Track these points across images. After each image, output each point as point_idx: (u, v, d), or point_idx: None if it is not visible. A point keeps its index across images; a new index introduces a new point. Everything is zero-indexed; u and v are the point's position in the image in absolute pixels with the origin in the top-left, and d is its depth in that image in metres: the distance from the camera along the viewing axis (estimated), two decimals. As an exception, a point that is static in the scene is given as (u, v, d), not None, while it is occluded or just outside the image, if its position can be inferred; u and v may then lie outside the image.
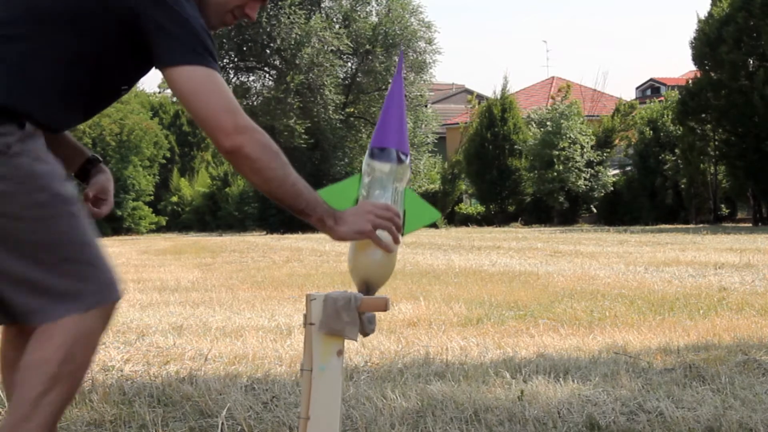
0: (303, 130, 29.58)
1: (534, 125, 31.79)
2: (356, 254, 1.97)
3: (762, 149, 24.40)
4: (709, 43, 25.06)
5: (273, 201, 1.93)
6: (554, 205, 31.34)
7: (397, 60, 30.90)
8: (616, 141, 32.28)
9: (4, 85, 1.84)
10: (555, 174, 30.44)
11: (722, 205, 29.67)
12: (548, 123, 30.96)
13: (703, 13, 26.11)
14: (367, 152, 2.02)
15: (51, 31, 1.87)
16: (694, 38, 25.76)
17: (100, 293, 1.89)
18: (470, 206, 35.19)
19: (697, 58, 25.76)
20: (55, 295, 1.85)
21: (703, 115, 25.82)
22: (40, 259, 1.84)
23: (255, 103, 31.33)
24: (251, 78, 31.88)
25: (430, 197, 35.29)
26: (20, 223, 1.83)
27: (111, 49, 1.92)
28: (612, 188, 31.35)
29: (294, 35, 28.99)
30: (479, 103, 35.72)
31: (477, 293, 7.06)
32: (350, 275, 2.01)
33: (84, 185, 2.25)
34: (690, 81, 26.72)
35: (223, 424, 2.89)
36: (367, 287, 1.98)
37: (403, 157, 1.97)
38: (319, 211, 1.91)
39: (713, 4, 25.74)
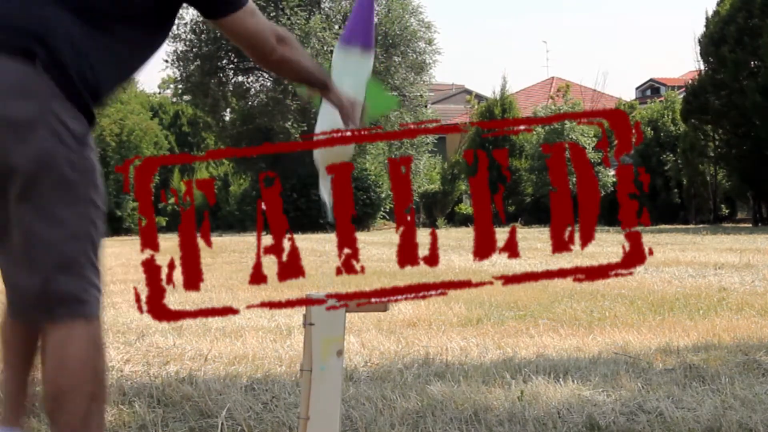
0: (299, 134, 29.64)
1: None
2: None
3: (762, 150, 24.38)
4: (712, 42, 25.05)
5: (292, 79, 2.28)
6: (554, 206, 31.32)
7: (396, 60, 30.95)
8: (616, 141, 32.26)
9: (86, 70, 1.82)
10: (556, 176, 30.44)
11: (722, 206, 29.66)
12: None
13: (711, 12, 26.06)
14: (337, 44, 2.39)
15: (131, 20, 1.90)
16: (702, 36, 25.73)
17: (101, 300, 1.88)
18: (470, 206, 35.17)
19: (704, 56, 25.72)
20: (77, 295, 1.81)
21: (704, 116, 25.79)
22: (75, 258, 1.81)
23: (254, 104, 31.33)
24: (250, 79, 31.88)
25: (430, 197, 35.35)
26: (71, 217, 1.80)
27: (165, 25, 2.00)
28: (612, 188, 31.34)
29: (293, 36, 28.98)
30: (479, 103, 35.72)
31: (477, 293, 7.05)
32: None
33: None
34: (692, 80, 26.68)
35: (223, 424, 2.89)
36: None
37: (366, 51, 2.33)
38: (326, 77, 2.26)
39: (719, 3, 25.70)
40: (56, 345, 1.81)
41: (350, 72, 2.28)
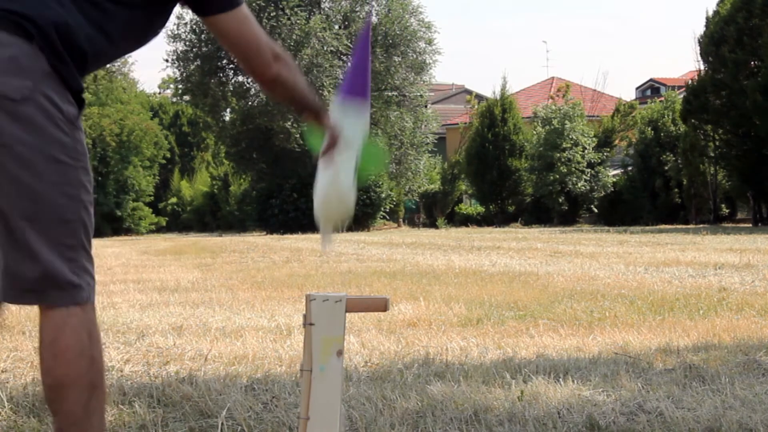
0: (299, 134, 29.67)
1: (539, 123, 31.74)
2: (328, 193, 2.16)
3: (761, 150, 24.39)
4: (712, 42, 25.05)
5: (285, 102, 2.17)
6: (554, 206, 31.34)
7: (396, 60, 30.96)
8: (616, 141, 32.30)
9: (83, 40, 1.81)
10: (557, 176, 30.44)
11: (722, 206, 29.67)
12: (554, 120, 30.91)
13: (711, 11, 26.05)
14: (339, 97, 2.25)
15: None
16: (702, 36, 25.71)
17: (93, 288, 1.87)
18: (470, 206, 35.20)
19: (704, 56, 25.72)
20: (69, 278, 1.80)
21: (704, 115, 25.78)
22: (66, 242, 1.80)
23: (254, 104, 31.33)
24: (250, 78, 31.85)
25: (430, 197, 35.38)
26: (61, 199, 1.78)
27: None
28: (612, 188, 31.35)
29: (294, 36, 28.98)
30: (479, 103, 35.75)
31: (477, 293, 7.06)
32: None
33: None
34: (692, 80, 26.68)
35: (223, 424, 2.89)
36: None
37: (364, 103, 2.25)
38: (318, 104, 2.19)
39: (719, 3, 25.69)
40: (51, 335, 1.80)
41: (349, 123, 2.20)
